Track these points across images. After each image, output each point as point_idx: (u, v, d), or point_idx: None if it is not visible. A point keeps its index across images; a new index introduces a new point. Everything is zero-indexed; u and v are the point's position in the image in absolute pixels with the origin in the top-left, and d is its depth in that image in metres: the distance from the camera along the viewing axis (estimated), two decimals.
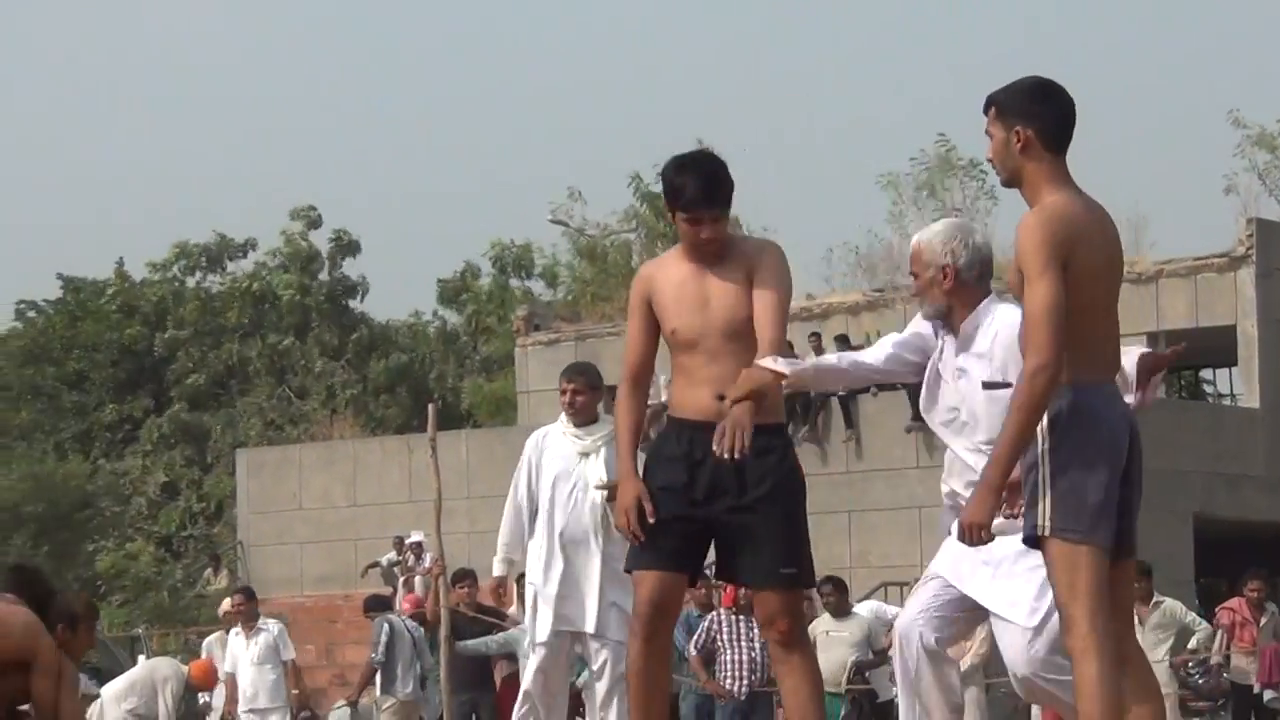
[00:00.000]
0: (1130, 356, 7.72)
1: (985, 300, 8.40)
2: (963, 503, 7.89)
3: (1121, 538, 7.17)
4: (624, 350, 8.54)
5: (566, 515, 12.74)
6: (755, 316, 8.06)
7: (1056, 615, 7.64)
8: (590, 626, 12.73)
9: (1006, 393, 7.74)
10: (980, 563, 8.23)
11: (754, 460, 7.92)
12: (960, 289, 8.33)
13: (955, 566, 8.47)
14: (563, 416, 13.01)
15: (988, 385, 8.22)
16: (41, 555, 40.64)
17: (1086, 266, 7.12)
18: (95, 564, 42.54)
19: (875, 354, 8.87)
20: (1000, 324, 8.24)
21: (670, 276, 8.32)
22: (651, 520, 8.06)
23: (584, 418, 12.89)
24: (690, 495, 8.13)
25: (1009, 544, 7.79)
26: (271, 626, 22.48)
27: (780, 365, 7.88)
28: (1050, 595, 7.66)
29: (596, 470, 12.61)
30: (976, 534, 7.16)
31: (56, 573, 40.58)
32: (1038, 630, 8.22)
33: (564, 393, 12.99)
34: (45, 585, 11.74)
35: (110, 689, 23.09)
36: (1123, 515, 7.15)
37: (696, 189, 8.16)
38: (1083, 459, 7.02)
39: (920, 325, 8.59)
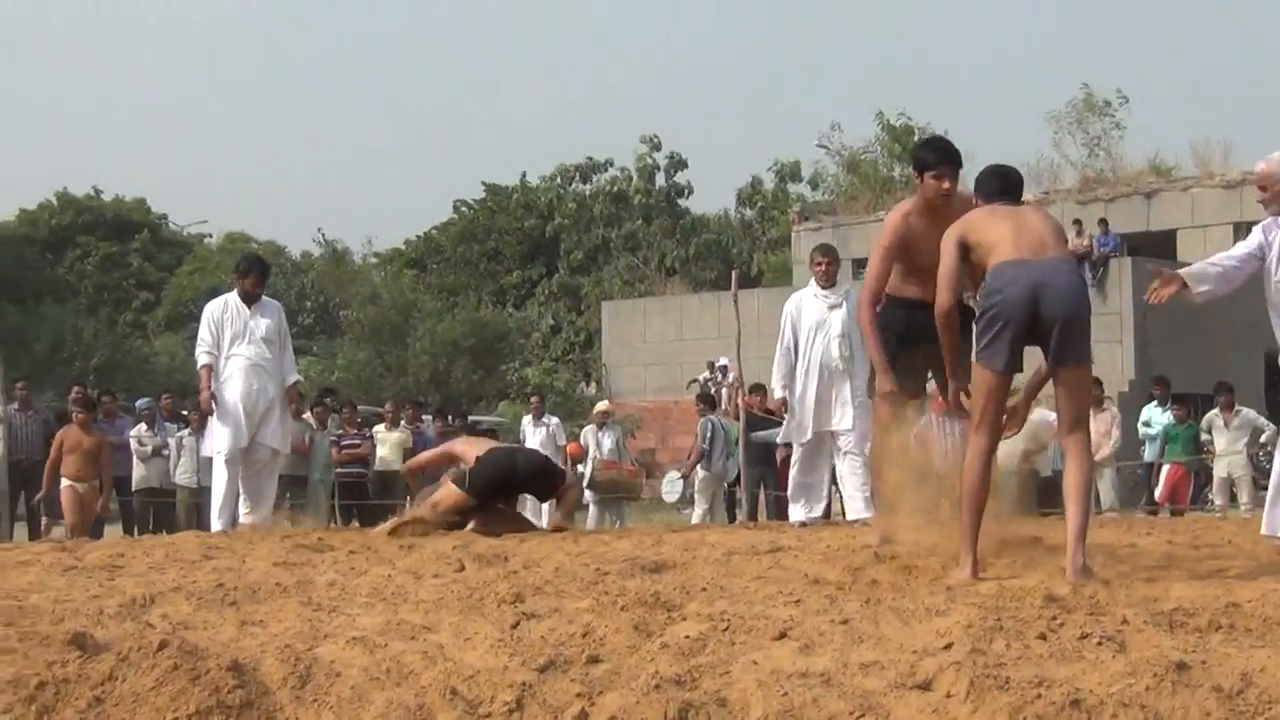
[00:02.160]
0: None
1: None
2: None
3: (1053, 356, 7.30)
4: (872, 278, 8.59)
5: (821, 350, 12.85)
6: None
7: None
8: (843, 425, 12.88)
9: None
10: None
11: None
12: None
13: None
14: (813, 281, 13.08)
15: None
16: (474, 373, 41.33)
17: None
18: (508, 377, 43.16)
19: (1238, 256, 8.94)
20: None
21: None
22: None
23: (830, 282, 13.02)
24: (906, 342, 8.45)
25: None
26: (550, 420, 23.00)
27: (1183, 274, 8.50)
28: None
29: (840, 318, 12.78)
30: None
31: (482, 384, 41.37)
32: None
33: (819, 264, 13.07)
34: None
35: None
36: (1051, 341, 7.24)
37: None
38: (980, 318, 7.29)
39: (1255, 234, 8.69)
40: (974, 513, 7.24)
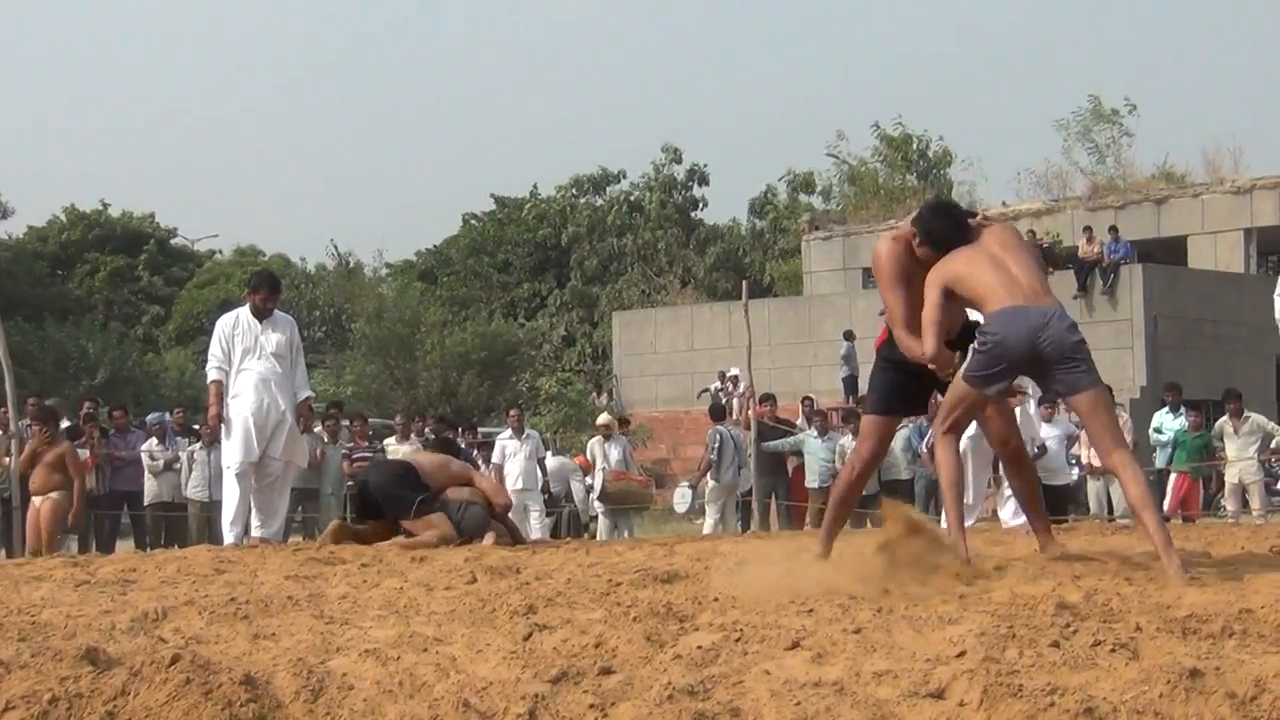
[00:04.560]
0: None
1: None
2: None
3: (1059, 386, 7.74)
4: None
5: None
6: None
7: None
8: None
9: None
10: None
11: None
12: None
13: None
14: None
15: None
16: (484, 385, 41.38)
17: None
18: (518, 389, 43.21)
19: None
20: None
21: None
22: None
23: None
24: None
25: None
26: (534, 435, 22.86)
27: None
28: None
29: None
30: None
31: (492, 396, 41.40)
32: None
33: None
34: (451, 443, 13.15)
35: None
36: (1058, 375, 7.63)
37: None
38: (978, 350, 7.70)
39: None
40: (959, 502, 8.06)
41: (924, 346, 7.83)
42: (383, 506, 11.66)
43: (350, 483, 21.16)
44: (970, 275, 7.79)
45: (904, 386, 8.51)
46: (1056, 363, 7.56)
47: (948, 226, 8.02)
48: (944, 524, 12.85)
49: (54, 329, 45.84)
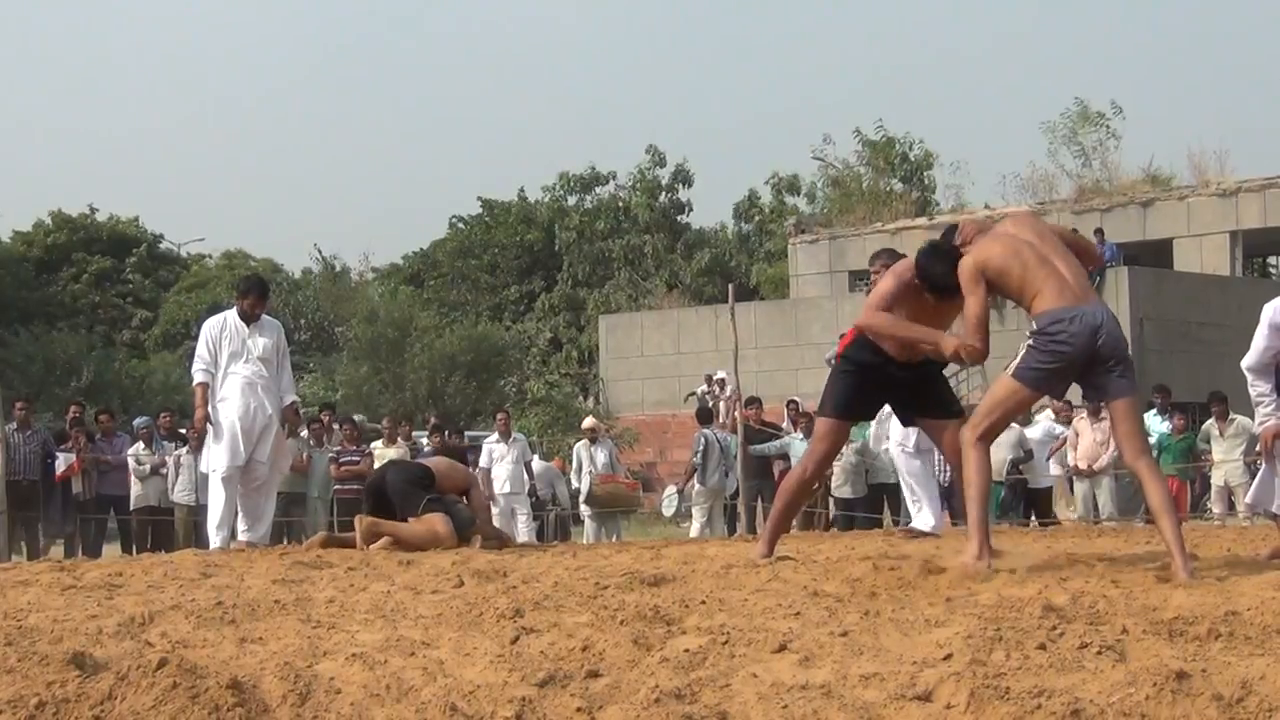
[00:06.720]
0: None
1: None
2: None
3: (1101, 391, 7.82)
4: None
5: None
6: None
7: None
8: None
9: None
10: None
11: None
12: None
13: None
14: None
15: None
16: (471, 388, 41.32)
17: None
18: (504, 392, 43.17)
19: None
20: None
21: None
22: None
23: None
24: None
25: None
26: (521, 438, 22.86)
27: None
28: None
29: None
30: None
31: (479, 399, 41.35)
32: None
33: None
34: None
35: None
36: (1109, 377, 7.69)
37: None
38: (1039, 348, 7.69)
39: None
40: (984, 508, 7.79)
41: (978, 346, 7.91)
42: (394, 504, 11.78)
43: (338, 486, 21.20)
44: (1013, 269, 7.77)
45: (863, 391, 8.70)
46: (1106, 364, 7.64)
47: (946, 271, 8.14)
48: (918, 521, 12.97)
49: (29, 343, 45.03)
